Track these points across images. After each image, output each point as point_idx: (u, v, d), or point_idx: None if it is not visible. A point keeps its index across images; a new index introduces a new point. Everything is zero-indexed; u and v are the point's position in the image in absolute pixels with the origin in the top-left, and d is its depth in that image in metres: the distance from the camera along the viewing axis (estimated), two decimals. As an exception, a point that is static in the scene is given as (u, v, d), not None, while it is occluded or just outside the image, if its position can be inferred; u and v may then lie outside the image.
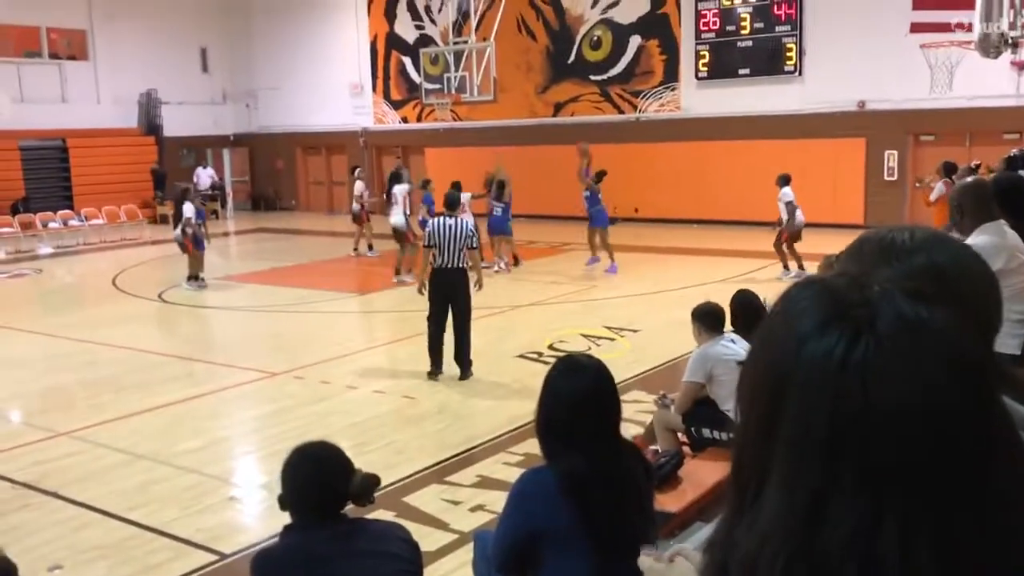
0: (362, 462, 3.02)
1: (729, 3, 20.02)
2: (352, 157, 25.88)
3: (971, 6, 11.51)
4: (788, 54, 19.39)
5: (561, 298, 12.92)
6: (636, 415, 6.83)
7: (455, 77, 19.50)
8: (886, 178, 18.77)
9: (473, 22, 20.04)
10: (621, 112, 22.08)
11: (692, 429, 5.63)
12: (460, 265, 8.59)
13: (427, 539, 4.78)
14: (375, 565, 2.84)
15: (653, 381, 8.07)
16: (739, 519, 0.90)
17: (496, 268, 14.93)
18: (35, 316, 13.55)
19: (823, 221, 17.59)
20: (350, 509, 2.94)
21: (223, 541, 5.46)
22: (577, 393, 2.88)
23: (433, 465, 6.56)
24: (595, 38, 22.30)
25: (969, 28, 13.09)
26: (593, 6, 22.18)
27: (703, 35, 20.47)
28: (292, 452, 2.95)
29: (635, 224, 19.13)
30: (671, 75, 21.25)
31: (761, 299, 5.45)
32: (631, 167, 21.00)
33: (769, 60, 19.60)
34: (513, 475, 3.96)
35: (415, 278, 9.09)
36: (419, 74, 22.57)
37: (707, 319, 5.66)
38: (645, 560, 1.50)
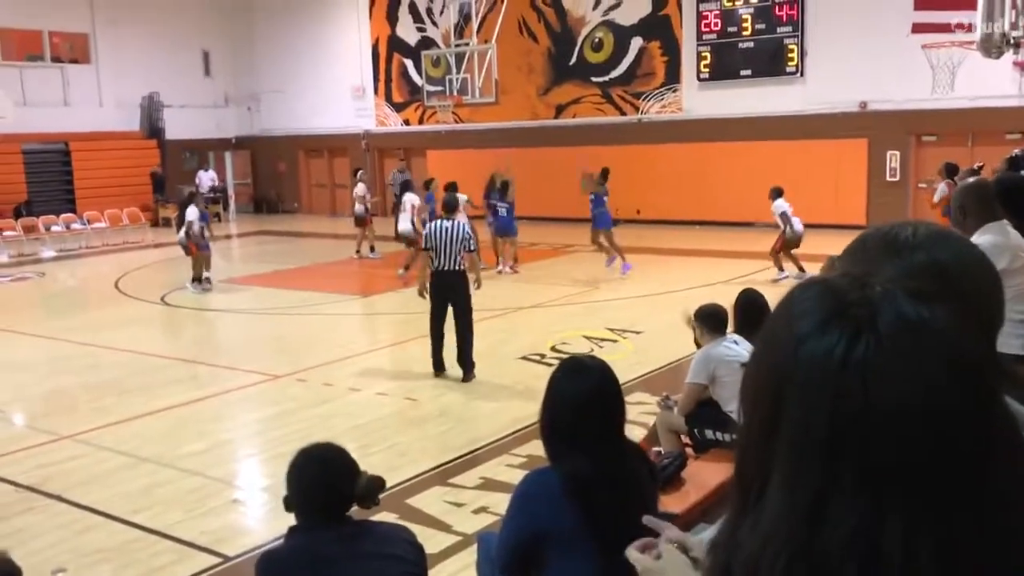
0: (365, 464, 3.02)
1: (730, 4, 20.03)
2: (354, 159, 25.90)
3: (973, 6, 11.51)
4: (789, 55, 19.39)
5: (563, 300, 12.92)
6: (639, 417, 6.82)
7: (457, 79, 19.52)
8: (888, 179, 18.77)
9: (474, 24, 20.07)
10: (623, 114, 22.09)
11: (695, 430, 5.62)
12: (458, 268, 8.66)
13: (430, 541, 4.78)
14: (380, 567, 2.84)
15: (656, 382, 8.07)
16: (742, 520, 0.90)
17: (499, 269, 14.99)
18: (38, 319, 13.57)
19: (825, 222, 17.58)
20: (355, 511, 2.94)
21: (227, 544, 5.46)
22: (581, 395, 2.88)
23: (436, 467, 6.56)
24: (596, 40, 22.30)
25: (969, 28, 13.09)
26: (594, 8, 22.19)
27: (704, 36, 20.48)
28: (298, 453, 2.95)
29: (637, 225, 19.13)
30: (673, 76, 21.25)
31: (766, 299, 5.44)
32: (633, 169, 21.00)
33: (770, 61, 19.60)
34: (516, 477, 3.95)
35: (417, 281, 9.13)
36: (421, 76, 22.62)
37: (710, 320, 5.65)
38: (632, 553, 1.49)
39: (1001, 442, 0.83)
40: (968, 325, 0.87)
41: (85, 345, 10.99)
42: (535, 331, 10.87)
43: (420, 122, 25.36)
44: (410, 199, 15.67)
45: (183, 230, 14.43)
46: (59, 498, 6.21)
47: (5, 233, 20.91)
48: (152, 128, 26.13)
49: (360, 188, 18.29)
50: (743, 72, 20.01)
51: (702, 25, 20.46)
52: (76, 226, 22.20)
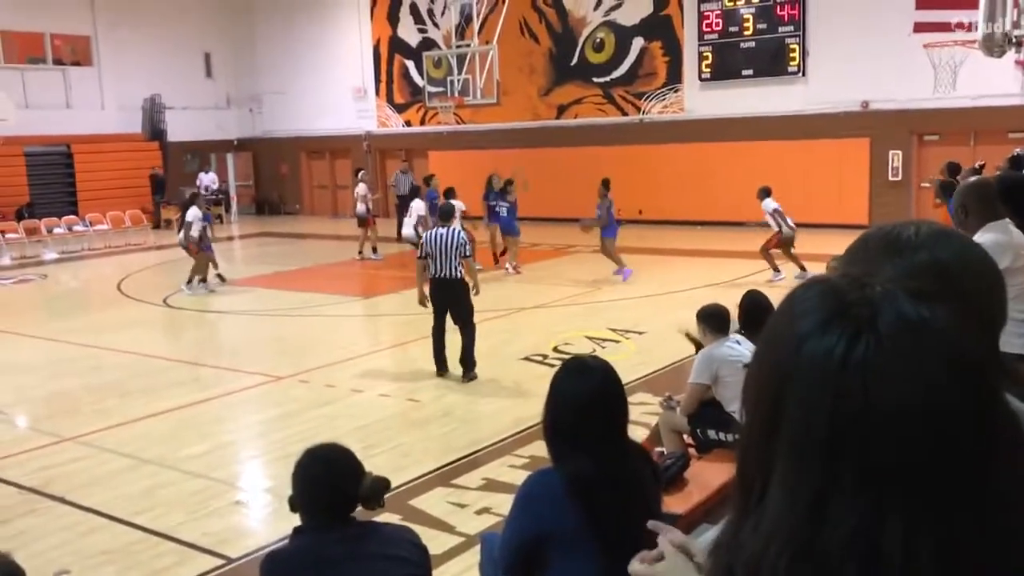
0: (369, 465, 3.02)
1: (732, 4, 20.02)
2: (356, 161, 25.91)
3: (974, 5, 11.50)
4: (791, 55, 19.37)
5: (565, 300, 12.92)
6: (641, 417, 6.82)
7: (458, 80, 19.52)
8: (890, 178, 18.75)
9: (476, 25, 20.06)
10: (624, 114, 22.08)
11: (698, 431, 5.63)
12: (455, 275, 8.72)
13: (433, 542, 4.77)
14: (385, 568, 2.84)
15: (658, 383, 8.07)
16: (744, 520, 0.90)
17: (505, 269, 15.09)
18: (40, 321, 13.58)
19: (828, 222, 17.60)
20: (359, 512, 2.94)
21: (229, 545, 5.46)
22: (584, 395, 2.88)
23: (439, 468, 6.56)
24: (598, 40, 22.30)
25: (969, 28, 13.08)
26: (596, 8, 22.19)
27: (706, 36, 20.47)
28: (303, 453, 2.96)
29: (639, 226, 19.11)
30: (674, 76, 21.25)
31: (770, 300, 5.45)
32: (634, 169, 21.01)
33: (772, 61, 19.59)
34: (519, 478, 3.96)
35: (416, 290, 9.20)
36: (422, 77, 22.61)
37: (712, 320, 5.66)
38: (634, 566, 1.49)
39: (1002, 442, 0.82)
40: (969, 325, 0.87)
41: (87, 347, 11.00)
42: (537, 332, 10.87)
43: (422, 123, 25.37)
44: (416, 208, 15.71)
45: (182, 232, 14.47)
46: (62, 500, 6.22)
47: (7, 235, 20.93)
48: (154, 130, 26.15)
49: (361, 188, 18.33)
50: (745, 72, 20.00)
51: (703, 25, 20.45)
52: (78, 228, 22.23)
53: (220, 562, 5.25)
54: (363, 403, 8.32)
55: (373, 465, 3.07)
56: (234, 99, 28.76)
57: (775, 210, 13.16)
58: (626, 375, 8.24)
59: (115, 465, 6.92)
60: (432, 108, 22.69)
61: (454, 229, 8.96)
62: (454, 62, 19.71)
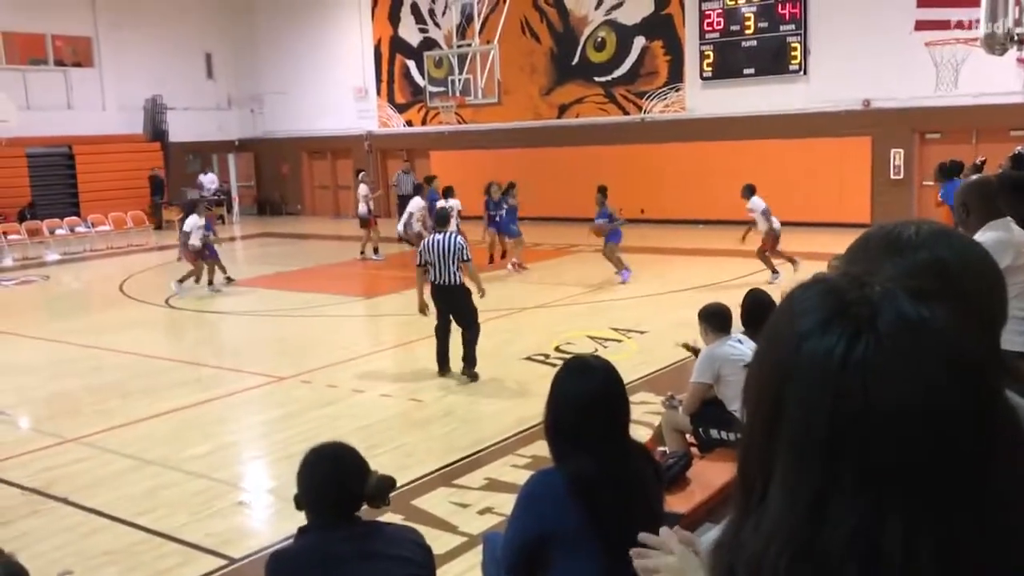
0: (372, 465, 3.02)
1: (733, 3, 20.00)
2: (357, 161, 25.92)
3: (975, 3, 11.48)
4: (793, 53, 19.36)
5: (567, 300, 12.92)
6: (644, 417, 6.82)
7: (459, 80, 19.52)
8: (892, 177, 18.73)
9: (477, 25, 20.07)
10: (626, 113, 22.08)
11: (700, 430, 5.63)
12: (455, 282, 8.73)
13: (436, 542, 4.77)
14: (389, 568, 2.84)
15: (660, 382, 8.07)
16: (745, 520, 0.90)
17: (508, 268, 15.16)
18: (42, 322, 13.59)
19: (829, 221, 17.61)
20: (364, 511, 2.94)
21: (232, 546, 5.47)
22: (586, 394, 2.88)
23: (441, 468, 6.57)
24: (599, 39, 22.29)
25: (969, 26, 13.07)
26: (597, 7, 22.18)
27: (707, 35, 20.46)
28: (309, 452, 2.95)
29: (641, 225, 19.09)
30: (676, 76, 21.23)
31: (772, 299, 5.45)
32: (636, 168, 21.01)
33: (774, 59, 19.58)
34: (521, 477, 3.96)
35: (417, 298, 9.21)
36: (423, 77, 22.62)
37: (714, 320, 5.66)
38: (639, 562, 1.49)
39: (1002, 442, 0.82)
40: (969, 324, 0.87)
41: (89, 348, 11.01)
42: (539, 331, 10.87)
43: (423, 123, 25.37)
44: (411, 206, 15.81)
45: (182, 239, 14.56)
46: (65, 501, 6.22)
47: (9, 237, 20.95)
48: (155, 131, 26.16)
49: (363, 189, 18.37)
50: (746, 71, 19.99)
51: (705, 24, 20.44)
52: (80, 229, 22.23)
53: (223, 563, 5.26)
54: (365, 403, 8.33)
55: (377, 465, 3.07)
56: (235, 99, 28.77)
57: (765, 210, 13.11)
58: (628, 374, 8.23)
59: (118, 466, 6.92)
60: (433, 108, 22.71)
61: (451, 235, 8.97)
62: (455, 62, 19.72)
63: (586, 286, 13.79)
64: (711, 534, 1.41)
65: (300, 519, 2.95)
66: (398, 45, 25.57)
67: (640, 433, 6.18)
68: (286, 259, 18.73)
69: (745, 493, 0.91)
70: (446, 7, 23.19)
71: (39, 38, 24.42)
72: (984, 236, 3.90)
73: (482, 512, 5.74)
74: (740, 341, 5.52)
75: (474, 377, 8.77)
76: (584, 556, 2.77)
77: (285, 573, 2.88)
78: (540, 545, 2.84)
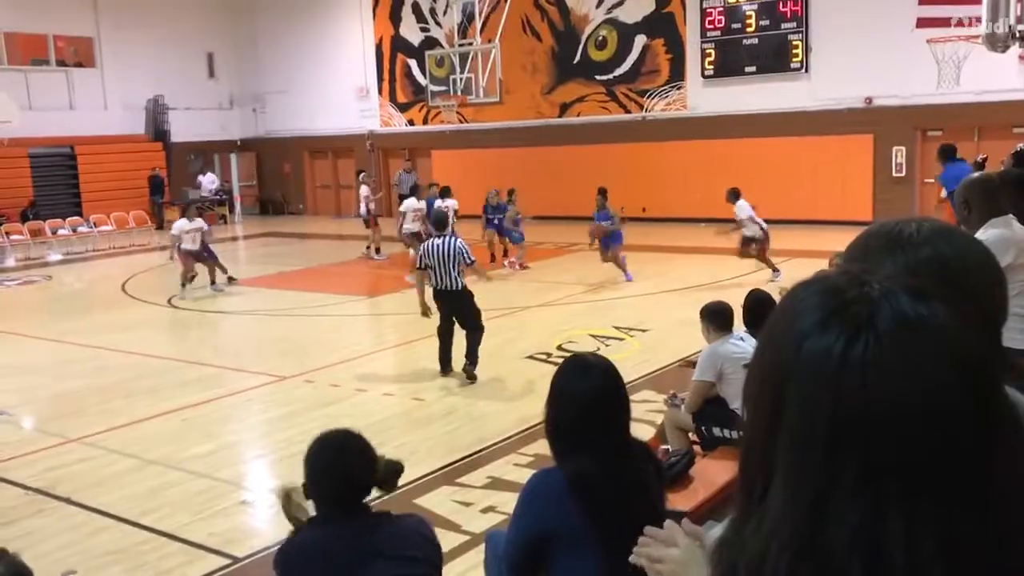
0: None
1: (734, 1, 19.99)
2: (359, 160, 25.93)
3: (977, 0, 11.46)
4: (794, 51, 19.34)
5: (569, 299, 12.92)
6: (646, 415, 6.82)
7: (461, 79, 19.50)
8: (894, 174, 18.72)
9: (478, 24, 20.05)
10: (627, 112, 22.06)
11: (702, 428, 5.62)
12: (457, 286, 8.62)
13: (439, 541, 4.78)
14: (393, 569, 2.83)
15: (663, 381, 8.07)
16: (747, 519, 0.90)
17: (505, 265, 15.22)
18: (45, 322, 13.59)
19: (831, 218, 17.59)
20: (375, 503, 2.92)
21: (236, 545, 5.47)
22: (585, 393, 2.87)
23: (444, 467, 6.57)
24: (600, 38, 22.28)
25: (971, 23, 13.05)
26: (598, 6, 22.16)
27: (709, 33, 20.45)
28: (314, 440, 2.94)
29: (643, 223, 19.09)
30: (677, 74, 21.22)
31: (774, 299, 5.44)
32: (638, 166, 21.00)
33: (775, 57, 19.56)
34: (524, 476, 3.95)
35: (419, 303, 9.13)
36: (425, 76, 22.60)
37: (716, 318, 5.66)
38: (641, 554, 1.49)
39: (1003, 439, 0.82)
40: (969, 322, 0.87)
41: (92, 348, 11.02)
42: (542, 330, 10.87)
43: (424, 122, 25.38)
44: (406, 205, 15.93)
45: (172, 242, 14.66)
46: (68, 501, 6.23)
47: (12, 237, 20.97)
48: (157, 131, 26.18)
49: (363, 190, 18.37)
50: (748, 69, 19.98)
51: (706, 22, 20.43)
52: (82, 229, 22.25)
53: (227, 562, 5.27)
54: (367, 402, 8.33)
55: (380, 464, 3.07)
56: (237, 99, 28.78)
57: (751, 215, 13.09)
58: (631, 373, 8.24)
59: (121, 465, 6.94)
60: (435, 107, 22.71)
61: (450, 238, 8.79)
62: (456, 61, 19.70)
63: (588, 285, 13.79)
64: (715, 531, 1.41)
65: (312, 508, 2.94)
66: (399, 44, 25.57)
67: (643, 432, 6.18)
68: (288, 259, 18.74)
69: (746, 492, 0.91)
70: (447, 6, 23.17)
71: (41, 38, 24.43)
72: (986, 234, 3.90)
73: (485, 511, 5.75)
74: (742, 339, 5.52)
75: (473, 379, 8.72)
76: (586, 554, 2.77)
77: (294, 566, 2.86)
78: (542, 544, 2.84)
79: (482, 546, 3.98)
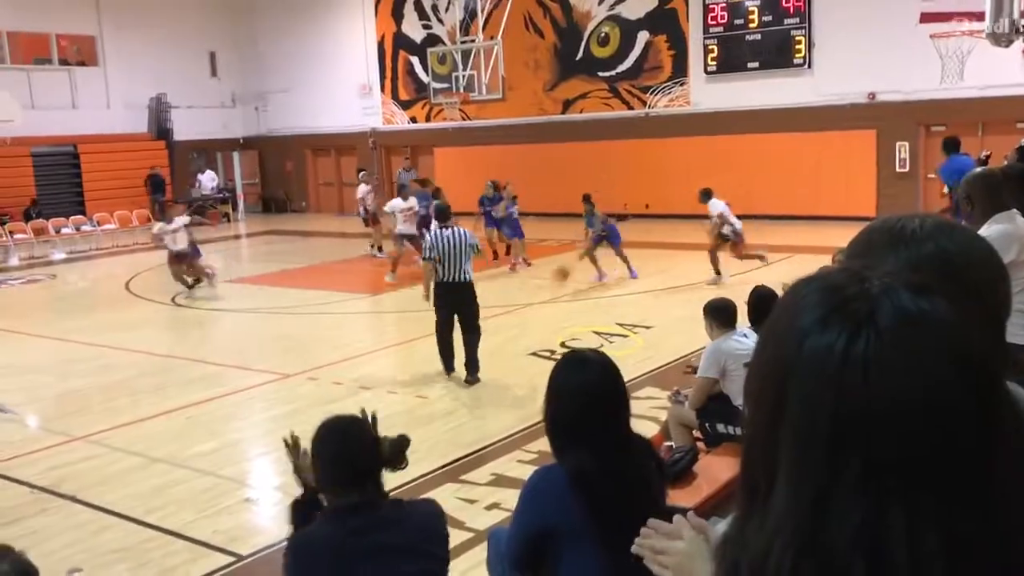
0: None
1: (737, -3, 19.97)
2: (362, 158, 25.94)
3: (980, -4, 11.42)
4: (797, 47, 19.31)
5: (573, 296, 12.91)
6: (649, 411, 6.82)
7: (463, 76, 19.51)
8: (898, 170, 18.69)
9: (480, 21, 20.06)
10: (630, 108, 22.05)
11: (706, 424, 5.63)
12: (465, 279, 8.47)
13: (442, 538, 4.78)
14: (401, 565, 2.82)
15: (667, 377, 8.06)
16: (750, 517, 0.90)
17: (510, 265, 15.16)
18: (49, 321, 13.61)
19: (835, 214, 17.55)
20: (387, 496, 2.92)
21: (240, 543, 5.48)
22: (583, 388, 2.86)
23: (447, 464, 6.58)
24: (603, 34, 22.26)
25: (972, 19, 13.02)
26: (600, 2, 22.14)
27: (711, 29, 20.42)
28: (317, 429, 2.93)
29: (646, 220, 19.09)
30: (680, 70, 21.20)
31: (778, 295, 5.44)
32: (641, 163, 20.99)
33: (778, 53, 19.53)
34: (527, 473, 3.95)
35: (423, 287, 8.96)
36: (427, 74, 22.62)
37: (719, 314, 5.66)
38: (643, 546, 1.48)
39: (1005, 435, 0.82)
40: (972, 318, 0.86)
41: (96, 346, 11.04)
42: (545, 327, 10.87)
43: (427, 120, 25.37)
44: (390, 206, 15.74)
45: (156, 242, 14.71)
46: (73, 499, 6.25)
47: (16, 236, 21.01)
48: (160, 129, 26.20)
49: (361, 189, 18.25)
50: (750, 64, 19.95)
51: (709, 18, 20.40)
52: (86, 228, 22.29)
53: (231, 559, 5.28)
54: (371, 400, 8.32)
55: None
56: (239, 97, 28.79)
57: (721, 213, 13.10)
58: (634, 370, 8.25)
59: (125, 464, 6.95)
60: (437, 104, 22.70)
61: (457, 228, 8.61)
62: (459, 58, 19.70)
63: (591, 282, 13.78)
64: (719, 527, 1.41)
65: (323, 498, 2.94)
66: (401, 41, 25.56)
67: (646, 428, 6.18)
68: (291, 256, 18.75)
69: (748, 489, 0.91)
70: (449, 3, 23.19)
71: (43, 37, 24.46)
72: (989, 229, 3.89)
73: (489, 508, 5.75)
74: (745, 335, 5.52)
75: (476, 382, 8.66)
76: (587, 550, 2.77)
77: (304, 560, 2.85)
78: (543, 540, 2.84)
79: (486, 543, 3.98)
